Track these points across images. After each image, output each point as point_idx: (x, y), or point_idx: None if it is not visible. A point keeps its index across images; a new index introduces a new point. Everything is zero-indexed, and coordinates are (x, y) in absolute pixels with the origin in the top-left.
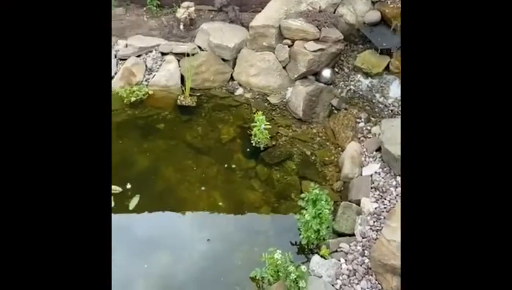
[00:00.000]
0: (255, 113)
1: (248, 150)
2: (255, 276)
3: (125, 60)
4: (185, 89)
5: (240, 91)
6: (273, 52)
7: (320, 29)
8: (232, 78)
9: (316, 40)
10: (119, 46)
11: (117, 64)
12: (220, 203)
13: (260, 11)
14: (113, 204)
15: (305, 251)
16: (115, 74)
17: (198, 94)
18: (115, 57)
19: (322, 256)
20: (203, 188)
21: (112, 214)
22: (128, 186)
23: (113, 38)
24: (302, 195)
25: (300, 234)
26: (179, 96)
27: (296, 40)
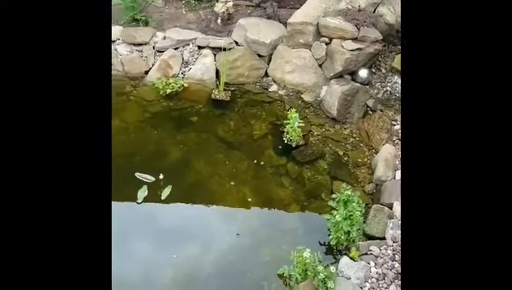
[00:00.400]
0: (288, 111)
1: (280, 147)
2: (283, 273)
3: (162, 52)
4: (220, 83)
5: (273, 87)
6: (310, 50)
7: (358, 29)
8: (266, 74)
9: (354, 39)
10: (157, 38)
11: (155, 56)
12: (249, 199)
13: (298, 8)
14: (146, 193)
15: (334, 251)
16: (152, 65)
17: (232, 89)
18: (153, 48)
19: (351, 258)
20: (232, 182)
21: (145, 203)
22: (161, 176)
23: (152, 30)
24: (333, 195)
25: (329, 235)
26: (213, 90)
27: (334, 38)
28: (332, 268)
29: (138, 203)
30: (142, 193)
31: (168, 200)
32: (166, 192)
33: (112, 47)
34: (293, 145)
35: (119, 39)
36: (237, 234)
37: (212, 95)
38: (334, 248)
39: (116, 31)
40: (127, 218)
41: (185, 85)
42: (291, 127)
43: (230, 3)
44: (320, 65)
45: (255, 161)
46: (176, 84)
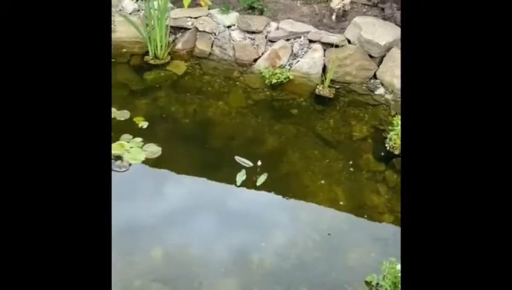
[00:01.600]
0: (393, 116)
1: (381, 152)
2: (371, 281)
3: (274, 42)
4: (325, 79)
5: (380, 91)
6: None
7: None
8: (374, 76)
9: None
10: (270, 28)
11: (265, 45)
12: (341, 200)
13: None
14: (244, 177)
15: None
16: (262, 54)
17: (337, 86)
18: (265, 37)
19: None
20: (325, 181)
21: (241, 188)
22: (259, 163)
23: (266, 20)
24: None
25: None
26: (318, 86)
27: None
28: None
29: (237, 186)
30: (241, 177)
31: (262, 187)
32: (261, 179)
33: (227, 32)
34: (395, 152)
35: (234, 25)
36: (328, 234)
37: (316, 90)
38: None
39: (233, 17)
40: (227, 200)
41: (291, 77)
42: (396, 134)
43: (348, 0)
44: None
45: (351, 163)
46: (282, 75)
